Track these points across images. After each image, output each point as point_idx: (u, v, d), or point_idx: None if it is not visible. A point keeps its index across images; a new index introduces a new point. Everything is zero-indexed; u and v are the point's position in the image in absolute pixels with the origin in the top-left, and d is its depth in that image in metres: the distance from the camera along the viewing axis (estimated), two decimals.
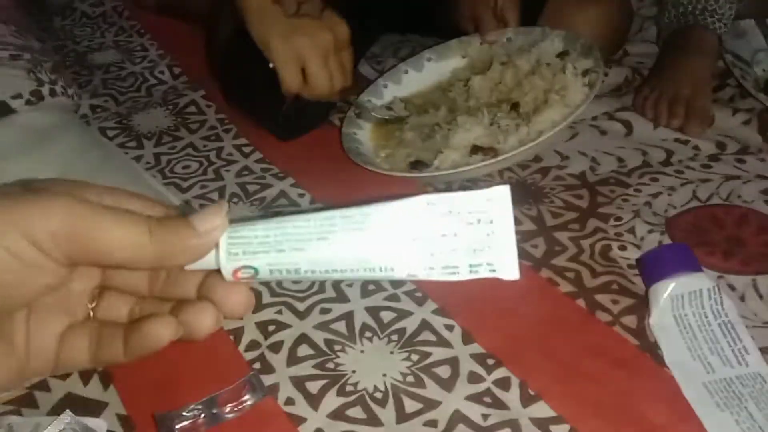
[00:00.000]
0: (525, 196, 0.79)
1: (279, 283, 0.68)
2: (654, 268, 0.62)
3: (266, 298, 0.67)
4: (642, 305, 0.64)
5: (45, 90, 0.72)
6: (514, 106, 0.85)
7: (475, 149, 0.81)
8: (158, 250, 0.31)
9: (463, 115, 0.85)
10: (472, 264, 0.36)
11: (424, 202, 0.35)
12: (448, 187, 0.81)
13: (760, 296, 0.65)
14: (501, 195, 0.36)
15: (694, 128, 0.86)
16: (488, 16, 0.93)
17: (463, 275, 0.37)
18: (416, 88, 0.96)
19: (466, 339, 0.62)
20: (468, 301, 0.66)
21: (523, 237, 0.73)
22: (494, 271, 0.37)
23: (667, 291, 0.60)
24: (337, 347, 0.62)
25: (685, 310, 0.60)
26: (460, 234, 0.35)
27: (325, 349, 0.62)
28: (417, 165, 0.81)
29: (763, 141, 0.84)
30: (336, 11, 0.80)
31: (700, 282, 0.60)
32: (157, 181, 0.76)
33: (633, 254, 0.70)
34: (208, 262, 0.36)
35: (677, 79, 0.89)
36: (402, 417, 0.56)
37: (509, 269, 0.36)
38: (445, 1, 1.01)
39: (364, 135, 0.88)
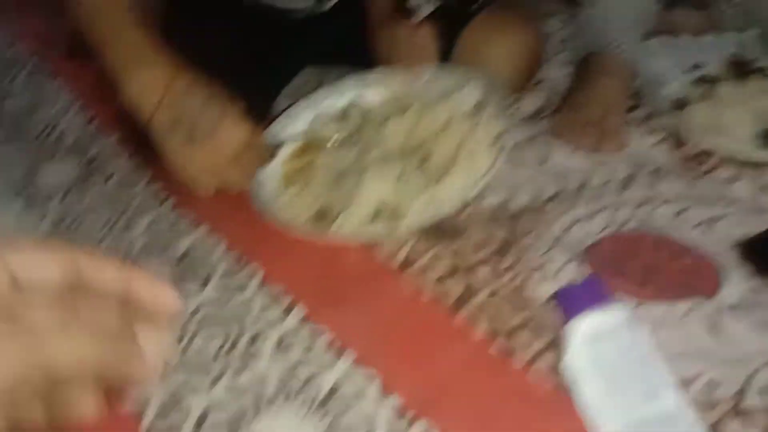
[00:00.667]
0: (441, 234, 0.78)
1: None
2: (567, 305, 0.62)
3: None
4: (558, 343, 0.64)
5: None
6: (425, 158, 0.83)
7: (380, 210, 0.78)
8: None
9: (374, 165, 0.83)
10: None
11: None
12: None
13: (675, 324, 0.65)
14: None
15: (606, 146, 0.86)
16: (405, 51, 0.93)
17: None
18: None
19: (385, 391, 0.61)
20: (386, 351, 0.65)
21: (439, 279, 0.72)
22: None
23: (581, 329, 0.60)
24: (248, 414, 0.60)
25: (600, 346, 0.60)
26: None
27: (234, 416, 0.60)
28: (321, 215, 0.79)
29: (675, 161, 0.86)
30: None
31: (613, 317, 0.60)
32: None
33: (550, 289, 0.70)
34: None
35: (590, 101, 0.90)
36: None
37: None
38: (364, 35, 1.00)
39: (272, 170, 0.85)
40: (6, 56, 1.20)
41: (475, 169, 0.80)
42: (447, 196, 0.77)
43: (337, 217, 0.77)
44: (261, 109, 0.89)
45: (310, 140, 0.90)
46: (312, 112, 0.92)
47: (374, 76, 0.96)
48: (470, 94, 0.90)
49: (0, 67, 1.18)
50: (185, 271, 0.75)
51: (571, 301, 0.62)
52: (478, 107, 0.89)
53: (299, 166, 0.87)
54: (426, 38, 0.92)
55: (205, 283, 0.73)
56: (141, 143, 0.90)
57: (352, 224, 0.76)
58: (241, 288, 0.72)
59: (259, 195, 0.80)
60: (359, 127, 0.92)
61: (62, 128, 1.01)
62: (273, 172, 0.85)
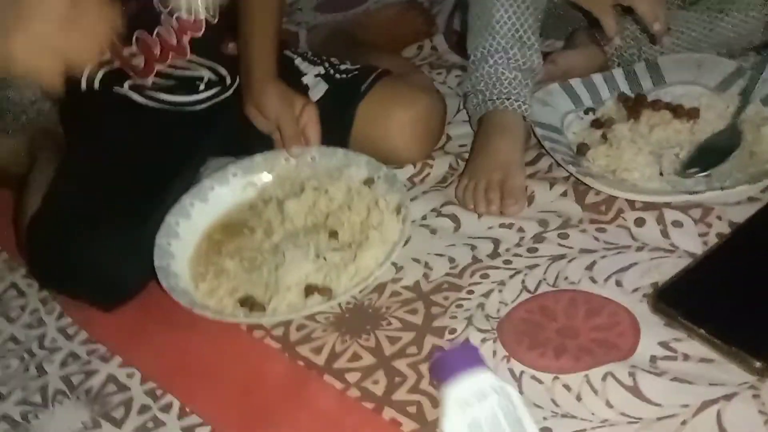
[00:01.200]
0: (363, 323, 0.77)
1: None
2: (440, 373, 0.61)
3: None
4: None
5: None
6: (333, 234, 0.85)
7: (310, 289, 0.79)
8: None
9: (284, 246, 0.83)
10: None
11: None
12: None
13: (595, 391, 0.65)
14: None
15: (510, 208, 0.87)
16: (291, 130, 0.93)
17: None
18: (224, 206, 0.94)
19: None
20: None
21: (363, 375, 0.71)
22: None
23: (454, 394, 0.59)
24: None
25: (474, 411, 0.58)
26: None
27: None
28: (248, 303, 0.78)
29: (582, 210, 0.86)
30: None
31: (484, 382, 0.59)
32: None
33: None
34: None
35: (488, 164, 0.90)
36: None
37: None
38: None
39: (178, 265, 0.84)
40: None
41: (388, 238, 0.83)
42: (370, 267, 0.80)
43: (267, 304, 0.78)
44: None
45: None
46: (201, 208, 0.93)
47: (259, 159, 0.97)
48: (358, 171, 0.92)
49: None
50: (101, 411, 0.72)
51: (446, 367, 0.61)
52: (369, 182, 0.90)
53: (204, 257, 0.87)
54: (312, 120, 0.93)
55: (122, 423, 0.71)
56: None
57: (286, 307, 0.77)
58: (158, 424, 0.70)
59: (177, 285, 0.80)
60: (257, 210, 0.92)
61: None
62: (181, 270, 0.84)
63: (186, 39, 0.97)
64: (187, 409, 0.71)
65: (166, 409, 0.71)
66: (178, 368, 0.75)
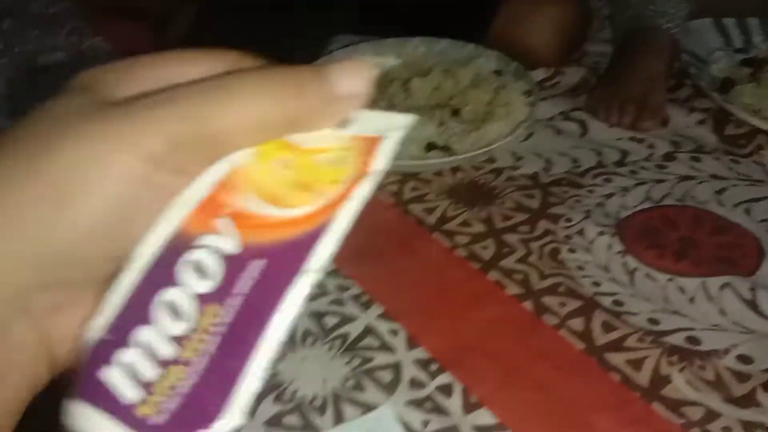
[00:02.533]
0: (476, 197, 0.77)
1: None
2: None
3: None
4: (589, 307, 0.63)
5: None
6: (455, 113, 0.85)
7: (431, 146, 0.80)
8: (289, 122, 0.23)
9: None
10: None
11: None
12: None
13: (710, 298, 0.64)
14: (385, 413, 0.52)
15: (645, 123, 0.85)
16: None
17: None
18: None
19: (411, 343, 0.60)
20: (415, 305, 0.64)
21: (472, 240, 0.71)
22: None
23: None
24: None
25: None
26: None
27: None
28: None
29: (718, 140, 0.84)
30: None
31: None
32: None
33: (583, 257, 0.69)
34: None
35: (629, 79, 0.88)
36: (340, 422, 0.54)
37: None
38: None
39: None
40: (49, 12, 1.22)
41: (515, 117, 0.83)
42: (493, 136, 0.80)
43: None
44: None
45: None
46: None
47: (390, 42, 0.97)
48: (488, 62, 0.92)
49: (42, 24, 1.20)
50: None
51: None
52: (497, 73, 0.90)
53: None
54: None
55: None
56: None
57: (407, 155, 0.78)
58: None
59: None
60: (381, 87, 0.93)
61: None
62: None
63: None
64: None
65: None
66: None
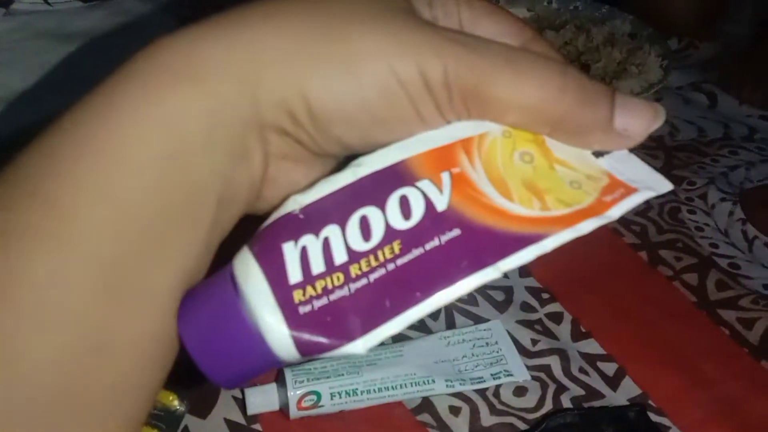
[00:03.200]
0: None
1: None
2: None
3: None
4: (705, 265, 0.64)
5: None
6: (585, 68, 0.85)
7: None
8: (561, 121, 0.24)
9: None
10: (493, 373, 0.51)
11: (441, 337, 0.53)
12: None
13: None
14: (497, 326, 0.55)
15: None
16: None
17: (489, 383, 0.51)
18: None
19: (523, 272, 0.63)
20: None
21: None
22: (511, 375, 0.51)
23: None
24: None
25: None
26: (478, 354, 0.52)
27: None
28: None
29: None
30: None
31: None
32: None
33: (702, 219, 0.69)
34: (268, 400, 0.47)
35: (762, 64, 0.86)
36: (452, 329, 0.57)
37: (521, 373, 0.52)
38: None
39: None
40: None
41: (648, 78, 0.82)
42: (625, 92, 0.79)
43: None
44: None
45: None
46: None
47: None
48: (623, 25, 0.91)
49: None
50: None
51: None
52: (632, 36, 0.89)
53: None
54: None
55: None
56: None
57: None
58: None
59: None
60: None
61: None
62: None
63: None
64: None
65: None
66: None
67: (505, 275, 0.62)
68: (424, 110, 0.24)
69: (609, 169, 0.25)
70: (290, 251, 0.23)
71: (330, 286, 0.23)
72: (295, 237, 0.23)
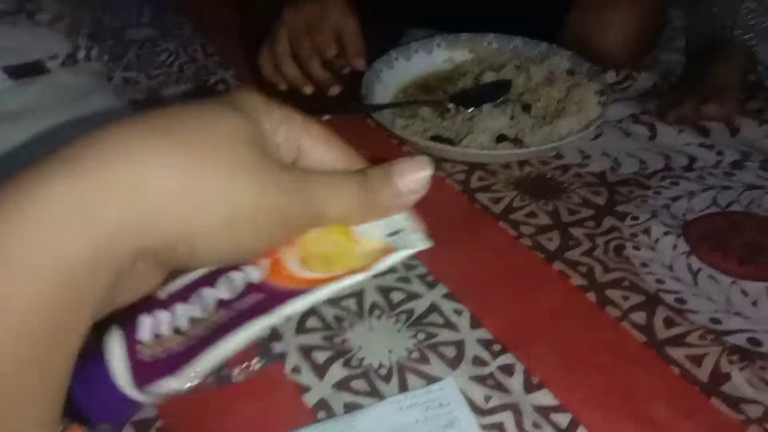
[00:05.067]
0: (543, 191, 0.79)
1: None
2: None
3: None
4: (652, 303, 0.64)
5: (80, 54, 0.74)
6: (526, 108, 0.87)
7: (502, 137, 0.82)
8: (364, 215, 0.31)
9: (488, 103, 0.87)
10: None
11: (393, 402, 0.53)
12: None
13: None
14: (450, 384, 0.56)
15: (708, 107, 0.85)
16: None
17: None
18: (424, 70, 0.98)
19: (474, 324, 0.63)
20: (479, 288, 0.67)
21: (537, 230, 0.73)
22: None
23: None
24: (345, 323, 0.63)
25: None
26: (431, 417, 0.53)
27: (333, 323, 0.63)
28: (439, 140, 0.82)
29: None
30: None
31: None
32: None
33: (647, 254, 0.70)
34: None
35: (701, 86, 0.88)
36: (404, 391, 0.56)
37: None
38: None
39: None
40: None
41: (587, 115, 0.85)
42: (563, 132, 0.81)
43: (459, 143, 0.82)
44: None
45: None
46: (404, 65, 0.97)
47: (464, 37, 0.99)
48: (561, 62, 0.93)
49: (127, 2, 1.25)
50: None
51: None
52: (570, 73, 0.91)
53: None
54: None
55: None
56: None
57: (477, 144, 0.81)
58: None
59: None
60: (453, 80, 0.95)
61: (183, 60, 1.06)
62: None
63: None
64: None
65: None
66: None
67: (457, 328, 0.62)
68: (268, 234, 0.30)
69: (390, 241, 0.33)
70: (146, 320, 0.31)
71: (169, 345, 0.31)
72: (151, 311, 0.31)
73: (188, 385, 0.30)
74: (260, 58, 0.84)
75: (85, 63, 0.74)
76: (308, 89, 0.84)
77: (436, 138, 0.83)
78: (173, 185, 0.26)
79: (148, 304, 0.31)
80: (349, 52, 0.84)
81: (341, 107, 0.87)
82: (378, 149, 0.86)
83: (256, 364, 0.57)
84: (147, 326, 0.31)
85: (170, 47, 1.10)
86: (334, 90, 0.84)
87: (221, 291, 0.31)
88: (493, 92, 0.89)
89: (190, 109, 0.28)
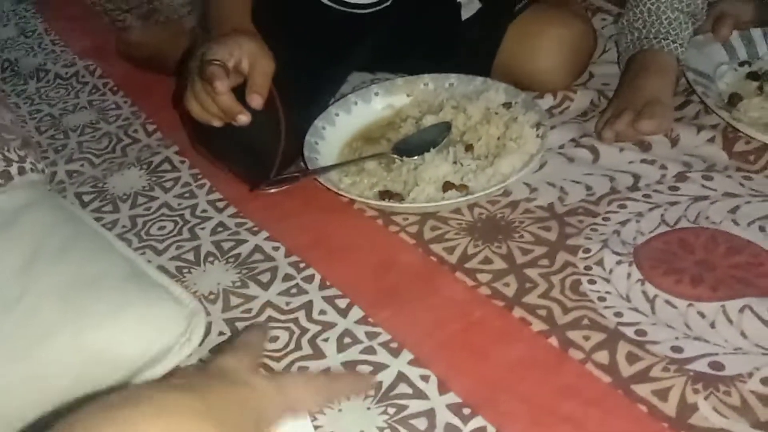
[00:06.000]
0: (495, 233, 0.79)
1: None
2: None
3: None
4: (613, 339, 0.65)
5: (13, 169, 0.74)
6: (468, 148, 0.87)
7: (448, 185, 0.83)
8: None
9: (428, 151, 0.87)
10: None
11: None
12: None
13: (730, 321, 0.65)
14: None
15: (647, 123, 0.86)
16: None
17: None
18: (366, 120, 0.98)
19: (442, 388, 0.63)
20: (443, 349, 0.67)
21: (494, 276, 0.73)
22: None
23: None
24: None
25: None
26: None
27: None
28: (386, 195, 0.83)
29: (728, 158, 0.85)
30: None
31: None
32: (130, 248, 0.76)
33: (603, 287, 0.71)
34: None
35: (634, 99, 0.89)
36: None
37: None
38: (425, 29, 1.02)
39: (323, 162, 0.90)
40: (69, 74, 1.26)
41: (527, 150, 0.86)
42: (507, 171, 0.83)
43: (406, 196, 0.83)
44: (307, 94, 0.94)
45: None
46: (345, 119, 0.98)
47: (400, 82, 1.00)
48: (497, 96, 0.94)
49: (64, 84, 1.24)
50: (249, 274, 0.78)
51: None
52: (507, 106, 0.93)
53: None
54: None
55: (268, 286, 0.76)
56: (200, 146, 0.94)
57: (425, 196, 0.82)
58: (300, 291, 0.75)
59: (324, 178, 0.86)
60: (395, 126, 0.96)
61: (126, 142, 1.06)
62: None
63: None
64: (328, 282, 0.75)
65: (309, 279, 0.76)
66: (320, 246, 0.80)
67: (425, 396, 0.62)
68: None
69: None
70: None
71: None
72: None
73: None
74: (186, 102, 0.83)
75: (20, 177, 0.73)
76: (243, 118, 0.81)
77: (384, 193, 0.83)
78: None
79: None
80: (249, 87, 0.82)
81: (283, 178, 0.87)
82: (329, 209, 0.86)
83: None
84: None
85: (111, 129, 1.09)
86: (242, 120, 0.82)
87: None
88: (435, 136, 0.90)
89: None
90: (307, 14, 0.99)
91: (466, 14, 1.02)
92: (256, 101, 0.80)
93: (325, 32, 0.98)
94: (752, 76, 0.94)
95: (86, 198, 0.94)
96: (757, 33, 1.01)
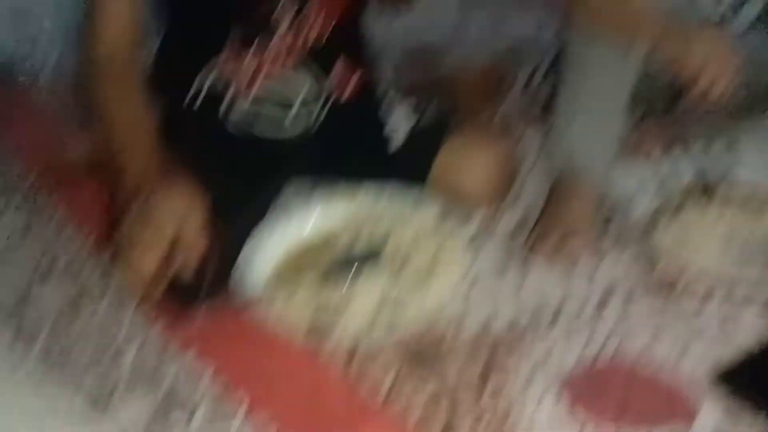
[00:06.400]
0: (423, 362, 0.80)
1: None
2: None
3: None
4: None
5: None
6: (401, 269, 0.89)
7: (380, 310, 0.83)
8: None
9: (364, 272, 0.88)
10: None
11: None
12: None
13: None
14: None
15: (571, 246, 0.91)
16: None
17: None
18: (295, 244, 0.97)
19: None
20: None
21: (424, 411, 0.73)
22: None
23: None
24: None
25: None
26: None
27: None
28: (316, 323, 0.83)
29: (648, 283, 0.88)
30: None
31: None
32: None
33: (533, 417, 0.72)
34: None
35: (558, 222, 0.94)
36: None
37: None
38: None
39: (257, 278, 0.89)
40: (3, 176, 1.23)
41: (455, 275, 0.87)
42: (438, 293, 0.84)
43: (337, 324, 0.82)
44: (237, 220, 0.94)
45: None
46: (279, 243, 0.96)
47: (336, 200, 1.00)
48: (429, 213, 0.96)
49: None
50: (172, 400, 0.76)
51: None
52: (440, 224, 0.94)
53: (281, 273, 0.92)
54: None
55: (193, 412, 0.74)
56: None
57: (354, 328, 0.81)
58: (227, 417, 0.74)
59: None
60: (326, 249, 0.96)
61: (55, 252, 1.03)
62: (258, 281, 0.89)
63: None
64: (256, 407, 0.74)
65: (237, 404, 0.75)
66: (249, 365, 0.80)
67: None
68: None
69: None
70: None
71: None
72: None
73: None
74: (135, 264, 0.82)
75: None
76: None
77: (314, 321, 0.83)
78: None
79: None
80: (181, 247, 0.83)
81: (211, 302, 0.86)
82: (257, 336, 0.84)
83: None
84: None
85: (44, 234, 1.06)
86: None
87: None
88: (368, 258, 0.91)
89: None
90: (221, 144, 1.00)
91: (395, 144, 1.05)
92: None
93: (240, 161, 0.99)
94: (666, 202, 0.99)
95: None
96: (674, 155, 1.07)
